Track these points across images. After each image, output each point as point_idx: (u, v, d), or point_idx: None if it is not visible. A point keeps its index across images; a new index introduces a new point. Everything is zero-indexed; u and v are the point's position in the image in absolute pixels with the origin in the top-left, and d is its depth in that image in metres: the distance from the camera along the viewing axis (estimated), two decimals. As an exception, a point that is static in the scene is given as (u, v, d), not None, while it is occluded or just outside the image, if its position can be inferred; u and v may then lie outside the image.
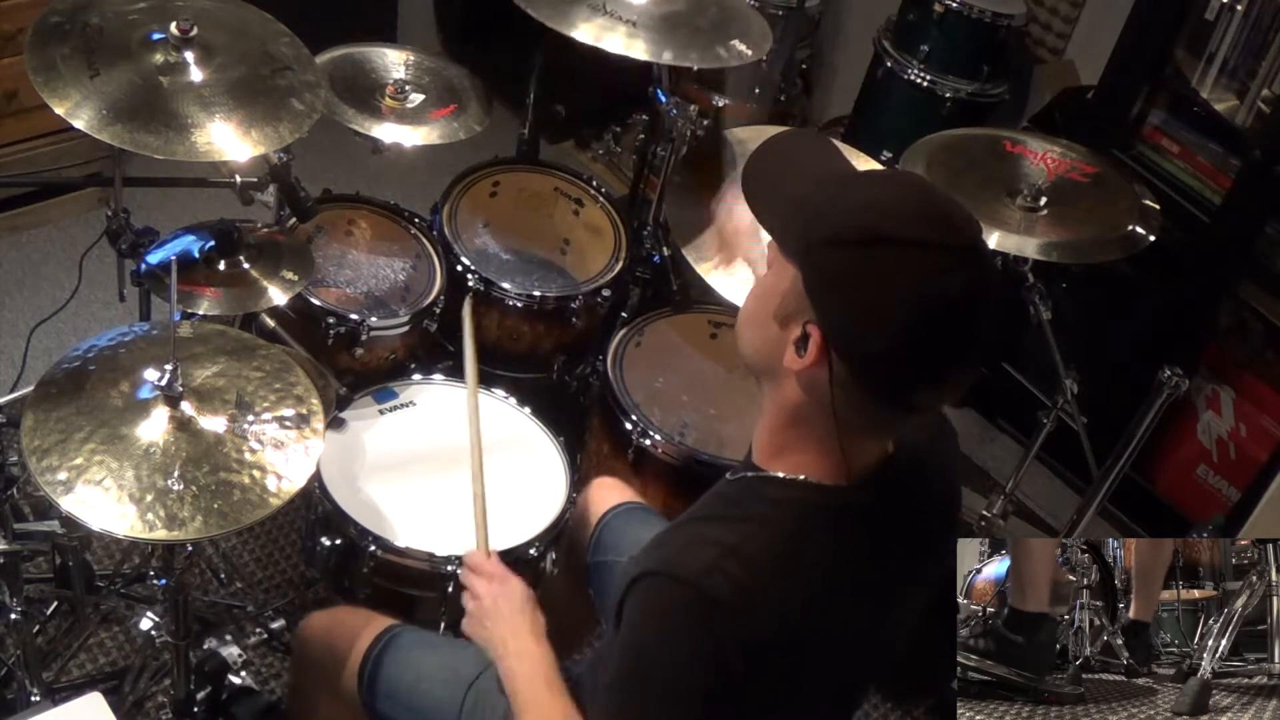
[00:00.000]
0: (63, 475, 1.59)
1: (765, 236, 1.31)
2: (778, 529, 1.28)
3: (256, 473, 1.66)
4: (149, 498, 1.59)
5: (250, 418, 1.71)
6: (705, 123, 2.61)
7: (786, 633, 1.26)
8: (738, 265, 2.38)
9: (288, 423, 1.73)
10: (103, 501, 1.58)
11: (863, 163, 2.54)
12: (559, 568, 2.13)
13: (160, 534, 1.57)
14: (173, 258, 2.04)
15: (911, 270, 1.17)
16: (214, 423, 1.69)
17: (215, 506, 1.61)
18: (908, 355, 1.19)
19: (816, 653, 1.29)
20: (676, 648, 1.23)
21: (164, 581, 1.90)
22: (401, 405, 2.27)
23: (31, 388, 1.71)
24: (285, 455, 1.69)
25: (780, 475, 1.31)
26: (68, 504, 1.57)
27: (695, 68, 3.16)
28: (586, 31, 2.31)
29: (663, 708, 1.24)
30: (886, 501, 1.31)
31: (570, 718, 1.47)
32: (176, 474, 1.62)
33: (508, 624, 1.59)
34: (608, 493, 2.04)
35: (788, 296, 1.24)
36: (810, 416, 1.27)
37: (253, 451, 1.68)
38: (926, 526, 1.34)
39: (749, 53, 2.39)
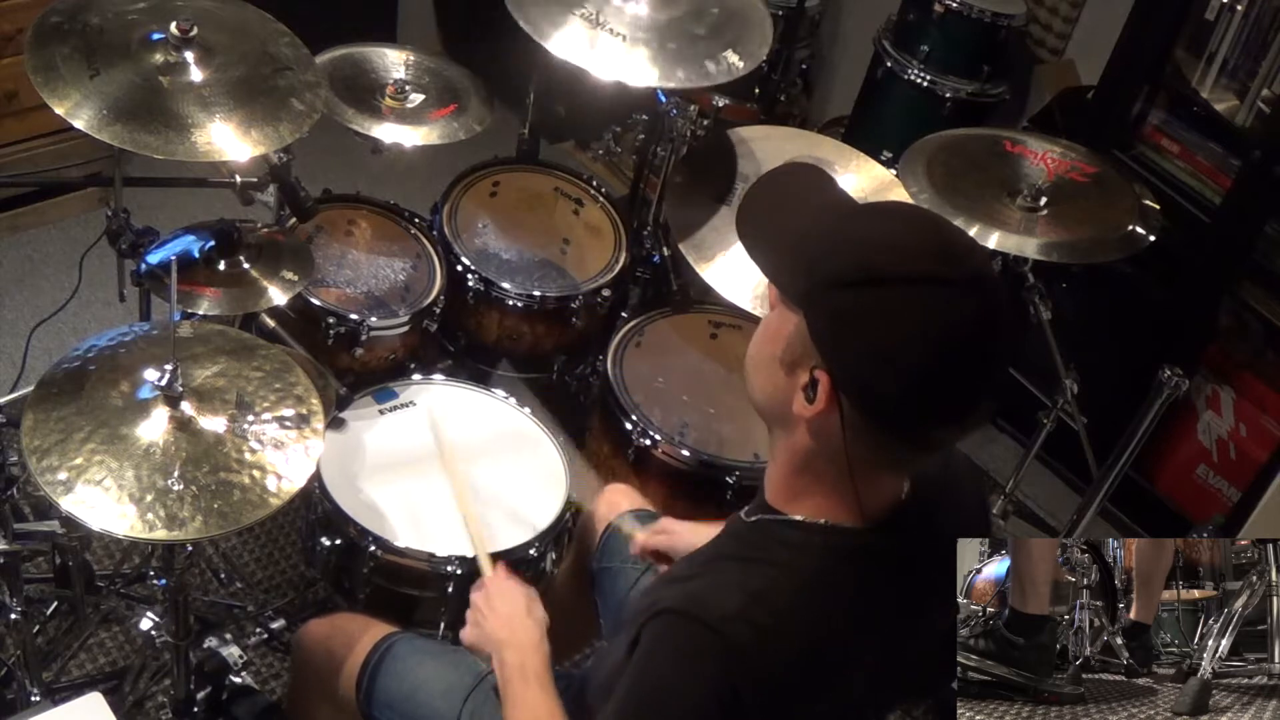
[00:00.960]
0: (63, 475, 1.59)
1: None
2: (800, 574, 1.26)
3: (256, 473, 1.66)
4: (149, 498, 1.59)
5: (250, 418, 1.71)
6: (705, 123, 2.61)
7: (805, 674, 1.25)
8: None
9: (288, 423, 1.73)
10: (103, 501, 1.58)
11: (863, 164, 2.54)
12: (563, 571, 2.13)
13: (160, 534, 1.57)
14: (173, 258, 2.04)
15: (917, 308, 1.15)
16: (214, 423, 1.69)
17: (215, 506, 1.61)
18: (920, 394, 1.17)
19: (833, 689, 1.29)
20: (693, 690, 1.21)
21: (164, 581, 1.90)
22: (401, 405, 2.26)
23: (31, 388, 1.70)
24: (285, 455, 1.69)
25: (799, 519, 1.29)
26: (68, 504, 1.57)
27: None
28: (578, 51, 2.29)
29: None
30: (905, 540, 1.30)
31: (554, 715, 1.47)
32: (176, 474, 1.62)
33: (503, 620, 1.58)
34: (616, 499, 2.04)
35: (792, 341, 1.22)
36: (823, 460, 1.25)
37: (253, 451, 1.68)
38: (945, 559, 1.33)
39: (740, 65, 2.37)
